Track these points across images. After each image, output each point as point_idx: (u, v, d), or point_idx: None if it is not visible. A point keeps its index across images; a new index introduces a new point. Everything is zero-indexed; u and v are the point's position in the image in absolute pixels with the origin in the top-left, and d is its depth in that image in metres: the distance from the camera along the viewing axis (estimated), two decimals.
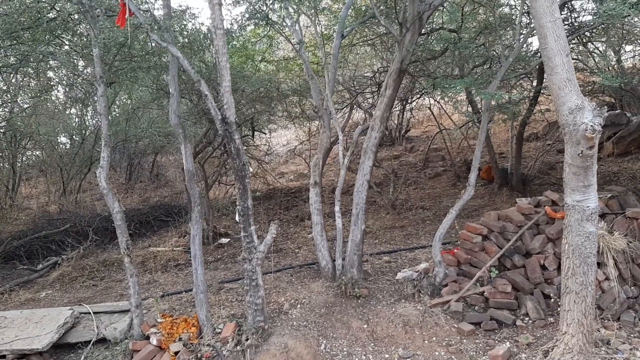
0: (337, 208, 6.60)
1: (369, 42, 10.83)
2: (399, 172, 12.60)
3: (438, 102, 13.22)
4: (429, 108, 13.58)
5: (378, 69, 12.07)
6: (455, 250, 6.28)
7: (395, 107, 15.14)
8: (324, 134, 7.14)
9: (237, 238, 9.58)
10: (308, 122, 13.84)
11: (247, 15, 6.64)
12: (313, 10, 6.91)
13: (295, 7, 7.00)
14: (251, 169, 5.29)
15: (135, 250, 9.51)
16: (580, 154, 3.88)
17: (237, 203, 5.06)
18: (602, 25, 8.30)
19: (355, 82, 12.63)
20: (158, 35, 4.77)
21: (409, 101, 14.35)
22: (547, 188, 9.48)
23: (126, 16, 4.77)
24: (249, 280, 5.14)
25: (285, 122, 14.02)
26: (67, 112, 15.10)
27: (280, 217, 11.07)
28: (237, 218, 5.15)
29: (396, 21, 6.75)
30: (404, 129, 16.81)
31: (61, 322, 5.93)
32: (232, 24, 7.04)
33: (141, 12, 5.21)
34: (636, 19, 9.49)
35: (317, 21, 7.11)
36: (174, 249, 9.26)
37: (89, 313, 6.29)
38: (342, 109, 12.70)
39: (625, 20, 8.68)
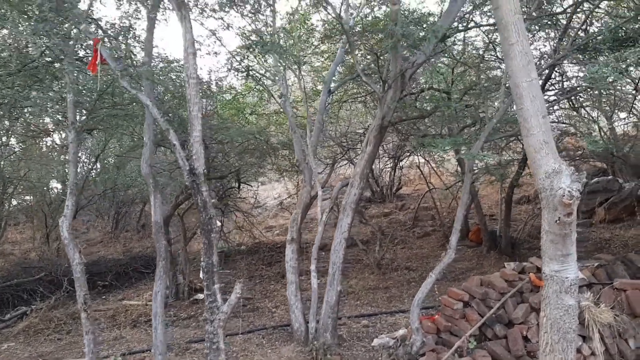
0: (313, 267, 6.34)
1: (359, 99, 10.83)
2: (388, 230, 12.32)
3: (427, 162, 13.11)
4: (418, 167, 13.46)
5: (369, 126, 12.03)
6: (435, 317, 5.95)
7: (387, 165, 15.06)
8: (304, 189, 6.96)
9: None
10: (297, 176, 13.69)
11: (227, 67, 6.60)
12: (296, 66, 6.88)
13: (278, 60, 6.97)
14: (219, 223, 5.05)
15: (108, 303, 9.12)
16: (558, 221, 3.64)
17: (202, 259, 4.79)
18: (589, 90, 8.30)
19: (347, 138, 12.58)
20: (128, 83, 4.65)
21: (400, 159, 14.26)
22: (536, 252, 9.14)
23: (97, 62, 4.67)
24: (209, 343, 4.80)
25: (275, 175, 13.87)
26: (61, 157, 14.99)
27: (261, 273, 10.71)
28: (201, 275, 4.87)
29: (379, 79, 6.71)
30: (395, 186, 16.67)
31: None
32: (210, 72, 7.00)
33: (117, 58, 5.11)
34: (629, 87, 9.49)
35: (300, 75, 7.07)
36: (147, 303, 8.84)
37: None
38: (331, 164, 12.59)
39: (617, 85, 8.66)
